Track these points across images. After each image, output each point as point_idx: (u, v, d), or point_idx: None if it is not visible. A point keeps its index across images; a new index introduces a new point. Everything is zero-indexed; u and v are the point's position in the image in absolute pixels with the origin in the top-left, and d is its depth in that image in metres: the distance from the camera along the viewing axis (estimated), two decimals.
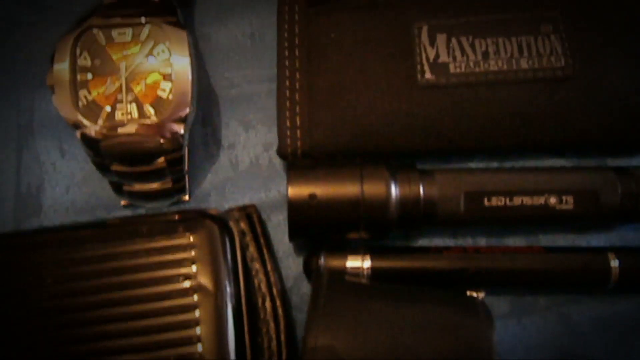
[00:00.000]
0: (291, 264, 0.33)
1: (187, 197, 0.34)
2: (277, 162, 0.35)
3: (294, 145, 0.32)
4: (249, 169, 0.35)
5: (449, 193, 0.31)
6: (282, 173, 0.35)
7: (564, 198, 0.31)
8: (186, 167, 0.33)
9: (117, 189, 0.33)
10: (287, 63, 0.33)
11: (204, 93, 0.36)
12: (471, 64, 0.32)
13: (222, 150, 0.35)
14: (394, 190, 0.30)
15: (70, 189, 0.35)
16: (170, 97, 0.30)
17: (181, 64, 0.30)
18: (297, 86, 0.32)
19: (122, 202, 0.34)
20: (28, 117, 0.36)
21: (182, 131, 0.30)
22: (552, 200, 0.31)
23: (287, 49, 0.33)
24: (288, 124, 0.32)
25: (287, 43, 0.33)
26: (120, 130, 0.30)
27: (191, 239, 0.27)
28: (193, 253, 0.27)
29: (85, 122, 0.30)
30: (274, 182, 0.34)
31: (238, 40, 0.38)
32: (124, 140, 0.30)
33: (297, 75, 0.33)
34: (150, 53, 0.30)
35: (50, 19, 0.38)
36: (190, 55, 0.31)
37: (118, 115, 0.30)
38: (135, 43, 0.31)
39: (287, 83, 0.32)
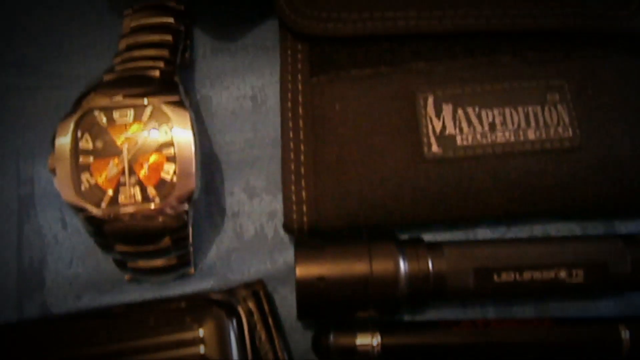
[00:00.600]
0: (299, 339, 0.33)
1: (192, 270, 0.33)
2: (283, 231, 0.34)
3: (301, 220, 0.31)
4: (254, 238, 0.35)
5: (459, 268, 0.30)
6: (288, 243, 0.34)
7: (574, 272, 0.30)
8: (190, 241, 0.32)
9: (121, 265, 0.32)
10: (291, 134, 0.33)
11: (206, 159, 0.36)
12: (478, 136, 0.31)
13: (227, 219, 0.35)
14: (402, 267, 0.30)
15: (73, 262, 0.34)
16: (175, 179, 0.30)
17: (185, 145, 0.30)
18: (302, 159, 0.32)
19: (127, 277, 0.33)
20: (28, 187, 0.36)
21: (187, 211, 0.30)
22: (562, 274, 0.30)
23: (290, 120, 0.33)
24: (294, 198, 0.32)
25: (291, 113, 0.33)
26: (123, 211, 0.29)
27: (200, 332, 0.27)
28: (202, 348, 0.26)
29: (88, 206, 0.29)
30: (280, 253, 0.34)
31: (239, 102, 0.37)
32: (128, 223, 0.30)
33: (302, 147, 0.32)
34: (152, 134, 0.30)
35: (49, 83, 0.38)
36: (194, 134, 0.30)
37: (121, 199, 0.30)
38: (137, 124, 0.30)
39: (292, 155, 0.32)
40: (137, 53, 0.34)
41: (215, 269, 0.34)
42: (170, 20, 0.37)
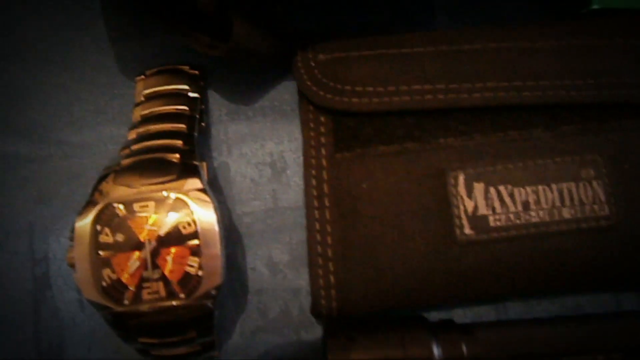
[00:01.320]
0: None
1: (217, 354, 0.32)
2: (308, 308, 0.33)
3: (329, 306, 0.30)
4: (279, 317, 0.34)
5: (493, 355, 0.29)
6: (314, 322, 0.33)
7: (612, 357, 0.29)
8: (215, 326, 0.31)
9: (144, 352, 0.31)
10: (316, 214, 0.31)
11: (226, 231, 0.34)
12: (511, 216, 0.30)
13: (250, 297, 0.34)
14: (436, 353, 0.29)
15: (92, 347, 0.33)
16: (200, 272, 0.29)
17: (210, 237, 0.29)
18: (329, 240, 0.31)
19: None
20: (43, 267, 0.35)
21: (212, 305, 0.29)
22: (600, 358, 0.29)
23: (315, 199, 0.31)
24: (322, 282, 0.31)
25: (316, 191, 0.32)
26: (147, 308, 0.28)
27: None
28: None
29: (110, 304, 0.28)
30: (307, 332, 0.33)
31: (259, 170, 0.36)
32: (152, 318, 0.29)
33: (329, 228, 0.31)
34: (175, 226, 0.29)
35: (60, 152, 0.36)
36: (219, 222, 0.29)
37: (144, 295, 0.28)
38: (158, 215, 0.29)
39: (318, 237, 0.31)
40: (153, 127, 0.33)
41: (239, 350, 0.33)
42: (185, 87, 0.35)
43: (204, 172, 0.33)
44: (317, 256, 0.31)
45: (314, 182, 0.32)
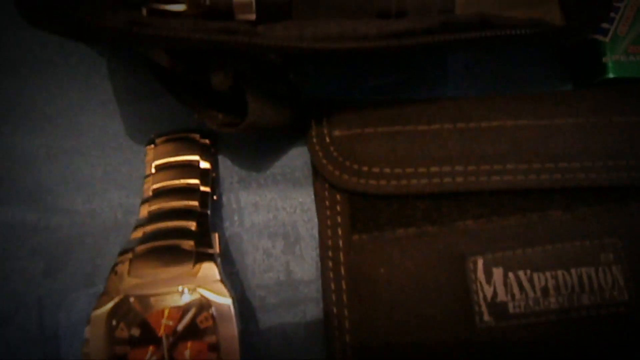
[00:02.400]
0: None
1: None
2: None
3: None
4: None
5: None
6: None
7: None
8: None
9: None
10: (333, 297, 0.31)
11: (239, 305, 0.34)
12: (530, 303, 0.30)
13: None
14: None
15: None
16: None
17: (227, 333, 0.28)
18: (347, 325, 0.31)
19: None
20: (53, 344, 0.34)
21: None
22: None
23: (333, 281, 0.31)
24: None
25: (333, 274, 0.31)
26: None
27: None
28: None
29: None
30: None
31: (271, 241, 0.35)
32: None
33: (346, 312, 0.31)
34: (192, 320, 0.28)
35: (67, 221, 0.36)
36: (236, 318, 0.28)
37: None
38: (175, 309, 0.28)
39: (336, 322, 0.31)
40: (165, 205, 0.33)
41: None
42: (196, 157, 0.35)
43: (216, 244, 0.32)
44: (335, 340, 0.31)
45: (330, 264, 0.31)
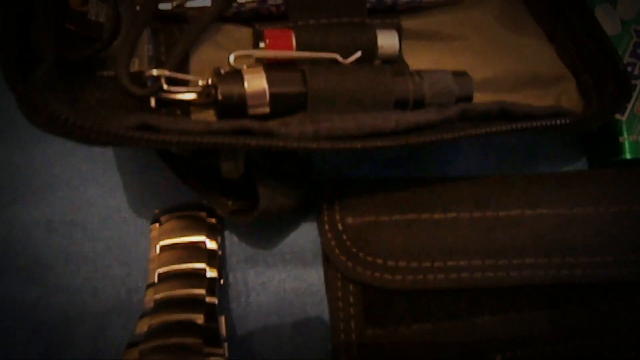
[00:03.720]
0: None
1: None
2: None
3: None
4: None
5: None
6: None
7: None
8: None
9: None
10: None
11: None
12: None
13: None
14: None
15: None
16: None
17: None
18: None
19: None
20: None
21: None
22: None
23: None
24: None
25: None
26: None
27: None
28: None
29: None
30: None
31: (281, 322, 0.34)
32: None
33: None
34: None
35: (68, 299, 0.34)
36: None
37: None
38: None
39: None
40: (172, 292, 0.32)
41: None
42: (203, 238, 0.34)
43: (223, 327, 0.31)
44: None
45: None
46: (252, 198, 0.31)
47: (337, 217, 0.32)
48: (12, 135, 0.37)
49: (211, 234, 0.34)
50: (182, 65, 0.29)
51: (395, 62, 0.32)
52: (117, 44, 0.29)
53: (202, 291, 0.32)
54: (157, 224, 0.34)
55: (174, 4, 0.31)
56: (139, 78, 0.29)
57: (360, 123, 0.28)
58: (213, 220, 0.35)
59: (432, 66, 0.33)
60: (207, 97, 0.29)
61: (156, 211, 0.35)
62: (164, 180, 0.36)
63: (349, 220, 0.31)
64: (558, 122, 0.30)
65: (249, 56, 0.29)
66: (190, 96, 0.29)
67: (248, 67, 0.29)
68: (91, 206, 0.36)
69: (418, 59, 0.33)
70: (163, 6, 0.31)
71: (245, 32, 0.32)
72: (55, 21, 0.29)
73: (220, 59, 0.30)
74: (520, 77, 0.34)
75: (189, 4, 0.31)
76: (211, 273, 0.33)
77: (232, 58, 0.28)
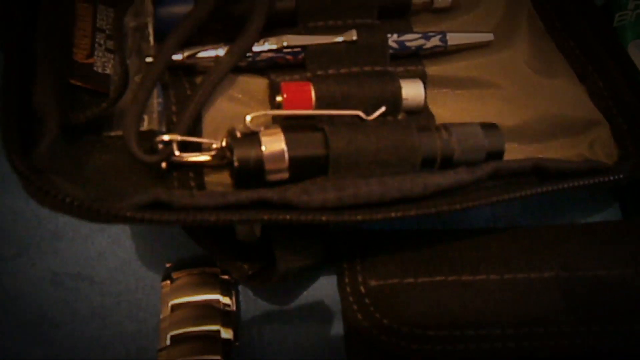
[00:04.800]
0: None
1: None
2: None
3: None
4: None
5: None
6: None
7: None
8: None
9: None
10: None
11: None
12: None
13: None
14: None
15: None
16: None
17: None
18: None
19: None
20: None
21: None
22: None
23: None
24: None
25: None
26: None
27: None
28: None
29: None
30: None
31: None
32: None
33: None
34: None
35: (76, 357, 0.33)
36: None
37: None
38: None
39: None
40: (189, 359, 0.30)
41: None
42: (217, 296, 0.32)
43: None
44: None
45: None
46: (268, 258, 0.29)
47: (360, 278, 0.30)
48: (15, 184, 0.35)
49: (225, 290, 0.32)
50: (195, 123, 0.27)
51: (420, 113, 0.30)
52: (126, 103, 0.27)
53: (218, 357, 0.30)
54: (168, 281, 0.33)
55: (185, 54, 0.29)
56: (149, 137, 0.28)
57: (387, 188, 0.26)
58: (227, 276, 0.33)
59: (459, 115, 0.31)
60: (221, 160, 0.27)
61: (167, 265, 0.33)
62: (176, 231, 0.34)
63: (372, 282, 0.30)
64: (595, 181, 0.28)
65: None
66: (204, 158, 0.27)
67: (265, 127, 0.27)
68: (99, 258, 0.35)
69: (444, 108, 0.31)
70: (174, 56, 0.29)
71: (260, 84, 0.30)
72: (59, 80, 0.27)
73: (235, 114, 0.29)
74: (551, 124, 0.32)
75: (201, 54, 0.29)
76: (226, 334, 0.31)
77: (248, 119, 0.26)
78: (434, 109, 0.31)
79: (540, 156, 0.31)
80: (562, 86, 0.33)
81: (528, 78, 0.32)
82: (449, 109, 0.31)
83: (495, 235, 0.32)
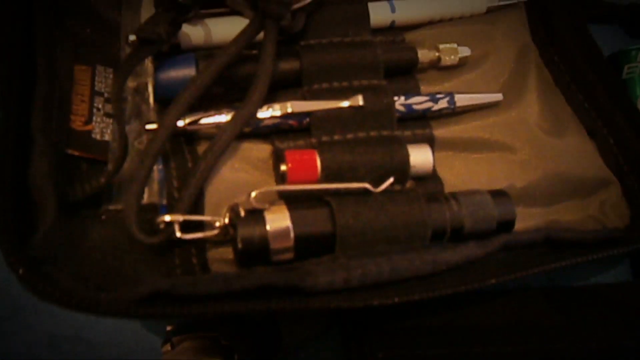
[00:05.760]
0: None
1: None
2: None
3: None
4: None
5: None
6: None
7: None
8: None
9: None
10: None
11: None
12: None
13: None
14: None
15: None
16: None
17: None
18: None
19: None
20: None
21: None
22: None
23: None
24: None
25: None
26: None
27: None
28: None
29: None
30: None
31: None
32: None
33: None
34: None
35: None
36: None
37: None
38: None
39: None
40: None
41: None
42: None
43: None
44: None
45: None
46: (272, 329, 0.28)
47: (367, 350, 0.29)
48: None
49: (226, 356, 0.31)
50: (197, 199, 0.26)
51: (428, 179, 0.29)
52: (125, 173, 0.26)
53: None
54: (169, 345, 0.32)
55: (187, 120, 0.28)
56: (149, 210, 0.27)
57: (395, 267, 0.25)
58: (227, 342, 0.32)
59: (467, 179, 0.31)
60: (224, 236, 0.26)
61: (168, 328, 0.32)
62: None
63: (380, 355, 0.29)
64: (610, 253, 0.27)
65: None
66: (211, 232, 0.26)
67: (269, 202, 0.26)
68: (97, 320, 0.34)
69: (452, 172, 0.31)
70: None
71: (264, 150, 0.29)
72: (56, 153, 0.26)
73: (238, 184, 0.28)
74: (560, 185, 0.32)
75: (203, 121, 0.28)
76: None
77: (252, 195, 0.25)
78: (442, 172, 0.30)
79: (552, 220, 0.31)
80: (571, 145, 0.33)
81: (537, 139, 0.32)
82: (456, 173, 0.31)
83: (504, 300, 0.31)
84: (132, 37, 0.29)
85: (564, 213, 0.31)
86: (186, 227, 0.25)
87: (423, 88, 0.32)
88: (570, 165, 0.32)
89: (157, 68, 0.29)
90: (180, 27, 0.29)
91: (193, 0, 0.29)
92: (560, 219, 0.31)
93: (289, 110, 0.28)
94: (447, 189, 0.30)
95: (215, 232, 0.25)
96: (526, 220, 0.30)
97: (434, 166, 0.29)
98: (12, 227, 0.22)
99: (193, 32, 0.31)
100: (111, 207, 0.27)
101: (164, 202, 0.27)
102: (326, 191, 0.27)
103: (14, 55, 0.26)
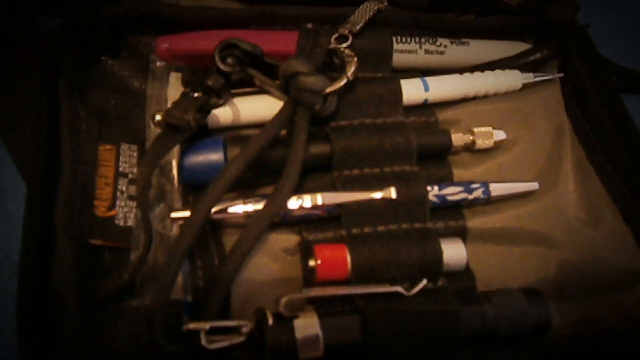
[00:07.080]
0: None
1: None
2: None
3: None
4: None
5: None
6: None
7: None
8: None
9: None
10: None
11: None
12: None
13: None
14: None
15: None
16: None
17: None
18: None
19: None
20: None
21: None
22: None
23: None
24: None
25: None
26: None
27: None
28: None
29: None
30: None
31: None
32: None
33: None
34: None
35: None
36: None
37: None
38: None
39: None
40: None
41: None
42: None
43: None
44: None
45: None
46: None
47: None
48: None
49: None
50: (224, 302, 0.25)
51: (460, 275, 0.28)
52: (149, 266, 0.26)
53: None
54: None
55: (213, 209, 0.27)
56: (173, 305, 0.26)
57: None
58: None
59: (500, 271, 0.30)
60: (250, 340, 0.25)
61: None
62: None
63: None
64: None
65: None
66: (240, 338, 0.25)
67: (299, 308, 0.25)
68: None
69: (484, 265, 0.29)
70: None
71: (291, 241, 0.28)
72: (78, 246, 0.25)
73: (266, 280, 0.27)
74: (595, 278, 0.30)
75: (230, 210, 0.27)
76: None
77: (282, 302, 0.24)
78: (473, 264, 0.29)
79: (584, 315, 0.30)
80: (607, 233, 0.32)
81: (574, 230, 0.31)
82: (488, 265, 0.30)
83: None
84: (158, 117, 0.28)
85: (600, 309, 0.30)
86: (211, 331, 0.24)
87: (455, 172, 0.31)
88: (605, 255, 0.31)
89: (184, 152, 0.28)
90: (209, 113, 0.28)
91: (223, 84, 0.28)
92: (593, 315, 0.30)
93: (320, 202, 0.27)
94: (479, 282, 0.29)
95: (242, 338, 0.24)
96: (558, 317, 0.29)
97: (467, 262, 0.28)
98: (34, 334, 0.21)
99: (221, 112, 0.30)
100: (134, 303, 0.26)
101: (189, 298, 0.26)
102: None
103: (40, 146, 0.25)
